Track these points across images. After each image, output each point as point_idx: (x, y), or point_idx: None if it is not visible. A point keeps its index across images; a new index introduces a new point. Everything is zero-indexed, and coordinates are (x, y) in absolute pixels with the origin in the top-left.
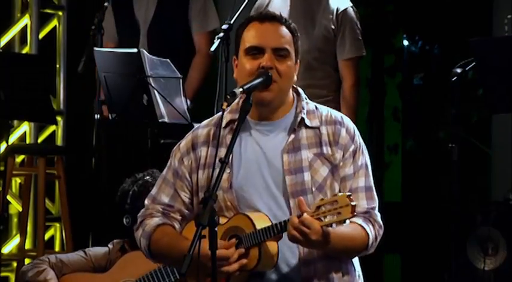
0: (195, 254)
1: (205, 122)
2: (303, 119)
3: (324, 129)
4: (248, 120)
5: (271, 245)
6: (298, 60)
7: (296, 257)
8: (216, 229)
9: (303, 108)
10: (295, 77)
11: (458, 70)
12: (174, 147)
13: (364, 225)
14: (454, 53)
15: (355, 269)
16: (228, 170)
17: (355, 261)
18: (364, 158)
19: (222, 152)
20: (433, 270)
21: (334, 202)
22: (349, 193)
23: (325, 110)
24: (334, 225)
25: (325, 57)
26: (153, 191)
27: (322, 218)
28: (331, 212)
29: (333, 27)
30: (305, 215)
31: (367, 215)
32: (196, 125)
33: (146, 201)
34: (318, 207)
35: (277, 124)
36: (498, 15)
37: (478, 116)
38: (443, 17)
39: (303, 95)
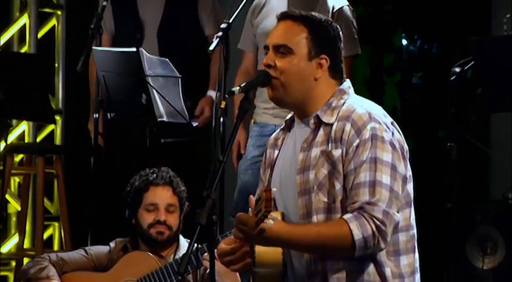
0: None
1: None
2: (317, 116)
3: (335, 126)
4: (294, 120)
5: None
6: (324, 56)
7: (306, 257)
8: (214, 228)
9: (329, 105)
10: (317, 73)
11: (457, 69)
12: None
13: (349, 221)
14: (453, 52)
15: (383, 271)
16: (268, 171)
17: (389, 263)
18: (374, 151)
19: (273, 154)
20: (432, 269)
21: (261, 197)
22: (268, 187)
23: (347, 106)
24: (270, 221)
25: None
26: None
27: (258, 214)
28: (260, 207)
29: None
30: (240, 213)
31: (361, 210)
32: (195, 124)
33: None
34: (256, 203)
35: (308, 122)
36: (497, 15)
37: (477, 115)
38: (442, 16)
39: (341, 91)
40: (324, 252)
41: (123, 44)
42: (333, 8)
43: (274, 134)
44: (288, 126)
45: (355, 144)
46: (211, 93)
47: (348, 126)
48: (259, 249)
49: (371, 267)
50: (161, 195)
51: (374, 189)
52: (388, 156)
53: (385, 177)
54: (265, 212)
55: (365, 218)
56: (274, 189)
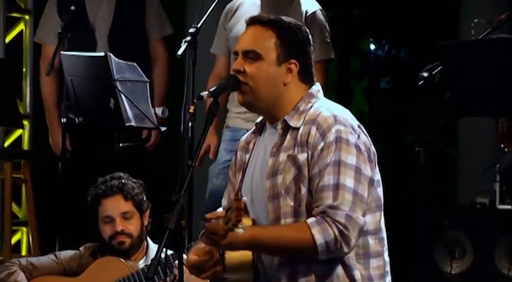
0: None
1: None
2: (285, 120)
3: (301, 130)
4: (265, 124)
5: (240, 251)
6: (294, 61)
7: (276, 259)
8: (183, 233)
9: (297, 109)
10: (286, 78)
11: (425, 74)
12: None
13: (311, 225)
14: (420, 56)
15: (352, 274)
16: (240, 174)
17: (358, 266)
18: (339, 154)
19: (244, 157)
20: (400, 274)
21: (231, 206)
22: (238, 196)
23: (313, 110)
24: (240, 230)
25: None
26: None
27: (228, 223)
28: (230, 215)
29: None
30: (209, 223)
31: (324, 214)
32: (163, 129)
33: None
34: (226, 212)
35: (276, 126)
36: (465, 19)
37: (445, 119)
38: (410, 20)
39: (310, 95)
40: (288, 255)
41: (75, 50)
42: (306, 13)
43: (245, 136)
44: (259, 129)
45: (319, 147)
46: (157, 111)
47: (314, 130)
48: (228, 255)
49: (340, 270)
50: (113, 206)
51: (337, 193)
52: (353, 159)
53: (348, 180)
54: (235, 221)
55: (327, 223)
56: (244, 198)
